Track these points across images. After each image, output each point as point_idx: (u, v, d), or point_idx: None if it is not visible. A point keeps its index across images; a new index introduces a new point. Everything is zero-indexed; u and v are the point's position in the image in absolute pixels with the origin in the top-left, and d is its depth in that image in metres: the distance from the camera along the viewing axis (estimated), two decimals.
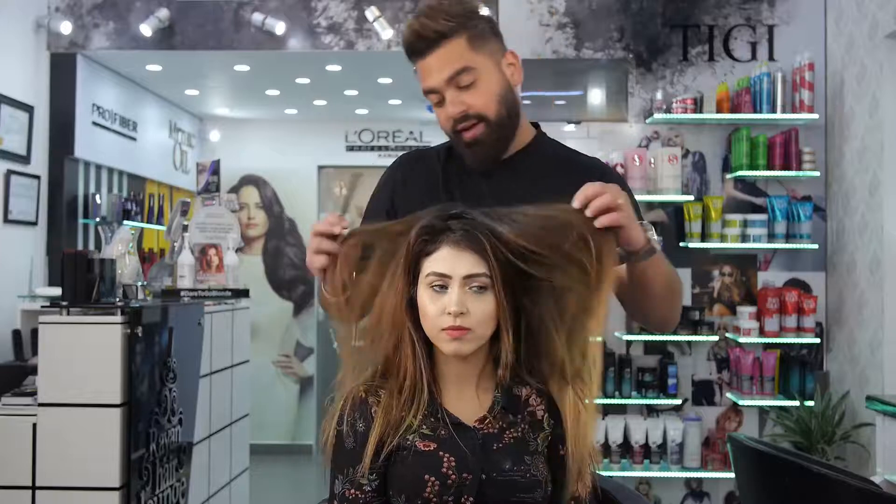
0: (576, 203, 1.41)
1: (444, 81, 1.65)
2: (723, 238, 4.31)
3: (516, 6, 4.53)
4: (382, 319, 1.41)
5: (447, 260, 1.37)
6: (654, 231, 1.54)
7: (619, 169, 4.26)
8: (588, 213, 1.40)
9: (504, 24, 4.54)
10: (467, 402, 1.41)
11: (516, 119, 1.71)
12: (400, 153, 8.24)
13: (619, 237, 1.44)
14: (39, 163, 4.68)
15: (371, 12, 4.56)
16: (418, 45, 1.66)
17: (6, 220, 4.34)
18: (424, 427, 1.36)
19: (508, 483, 1.34)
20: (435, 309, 1.36)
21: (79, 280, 3.04)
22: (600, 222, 1.39)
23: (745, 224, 4.31)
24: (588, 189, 1.42)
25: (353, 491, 1.35)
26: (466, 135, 1.67)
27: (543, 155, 1.75)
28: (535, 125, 1.80)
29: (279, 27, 4.61)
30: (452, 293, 1.35)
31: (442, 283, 1.37)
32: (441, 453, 1.34)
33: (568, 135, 4.51)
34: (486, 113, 1.66)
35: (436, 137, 8.13)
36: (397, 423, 1.36)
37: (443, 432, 1.36)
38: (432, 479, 1.32)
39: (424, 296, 1.38)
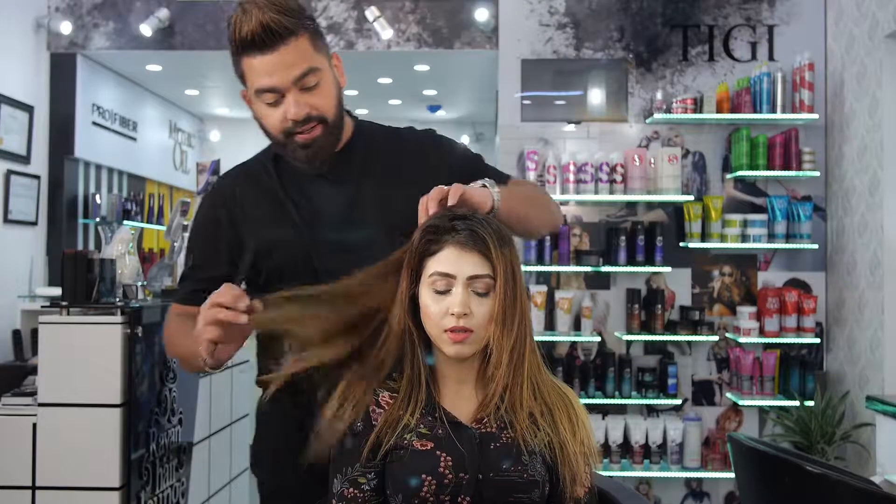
0: (431, 211, 1.43)
1: (290, 81, 1.56)
2: (723, 238, 4.31)
3: (516, 6, 4.53)
4: (386, 318, 1.42)
5: (452, 260, 1.37)
6: (492, 181, 1.57)
7: (618, 169, 4.27)
8: (431, 211, 1.42)
9: (504, 24, 4.54)
10: (465, 401, 1.41)
11: (344, 118, 1.69)
12: None
13: (473, 206, 1.46)
14: (39, 163, 4.68)
15: (371, 12, 4.56)
16: (262, 40, 1.53)
17: (6, 220, 4.34)
18: (422, 426, 1.36)
19: (505, 483, 1.34)
20: (438, 310, 1.36)
21: (79, 280, 3.04)
22: (450, 203, 1.43)
23: (745, 224, 4.31)
24: (423, 200, 1.45)
25: (351, 490, 1.35)
26: (303, 137, 1.60)
27: (372, 139, 1.73)
28: (348, 112, 1.75)
29: None
30: (457, 294, 1.36)
31: (445, 284, 1.37)
32: (438, 453, 1.34)
33: (568, 135, 4.51)
34: (326, 115, 1.61)
35: None
36: (395, 422, 1.36)
37: (440, 431, 1.36)
38: (429, 478, 1.32)
39: (427, 296, 1.38)
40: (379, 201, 1.63)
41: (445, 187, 1.45)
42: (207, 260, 1.69)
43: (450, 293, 1.36)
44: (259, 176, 1.70)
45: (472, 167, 1.70)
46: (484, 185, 1.54)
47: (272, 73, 1.55)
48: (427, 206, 1.44)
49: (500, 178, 1.68)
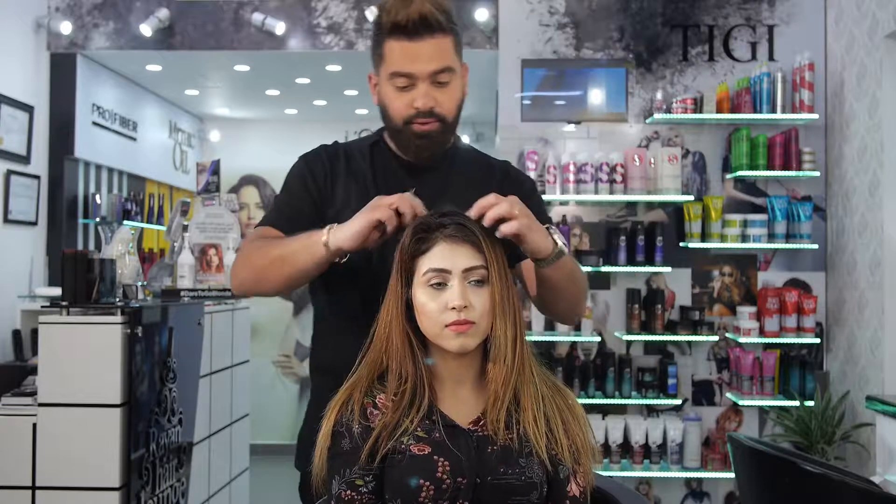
0: (472, 213, 1.43)
1: (427, 73, 1.63)
2: (723, 238, 4.31)
3: (516, 6, 4.53)
4: (380, 326, 1.42)
5: (445, 255, 1.37)
6: (559, 233, 1.56)
7: (618, 169, 4.27)
8: (485, 223, 1.41)
9: (504, 24, 4.54)
10: (462, 403, 1.41)
11: (457, 125, 1.76)
12: None
13: (523, 245, 1.46)
14: (39, 163, 4.68)
15: (371, 12, 4.56)
16: (415, 28, 1.60)
17: (6, 220, 4.34)
18: (419, 429, 1.36)
19: (504, 486, 1.33)
20: (436, 306, 1.36)
21: (79, 280, 3.04)
22: (500, 232, 1.42)
23: (745, 224, 4.31)
24: (482, 200, 1.44)
25: (349, 492, 1.35)
26: (421, 127, 1.66)
27: (461, 156, 1.80)
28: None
29: (279, 27, 4.61)
30: (454, 287, 1.36)
31: (440, 280, 1.36)
32: (435, 457, 1.33)
33: (568, 135, 4.51)
34: (447, 115, 1.67)
35: None
36: (393, 425, 1.36)
37: (437, 435, 1.35)
38: (427, 483, 1.32)
39: (423, 295, 1.38)
40: (458, 206, 1.64)
41: (506, 206, 1.43)
42: (286, 208, 1.74)
43: (446, 288, 1.36)
44: (354, 158, 1.76)
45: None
46: (548, 228, 1.54)
47: (413, 61, 1.62)
48: (473, 209, 1.43)
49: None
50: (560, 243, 1.52)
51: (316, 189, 1.72)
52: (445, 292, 1.36)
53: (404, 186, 1.60)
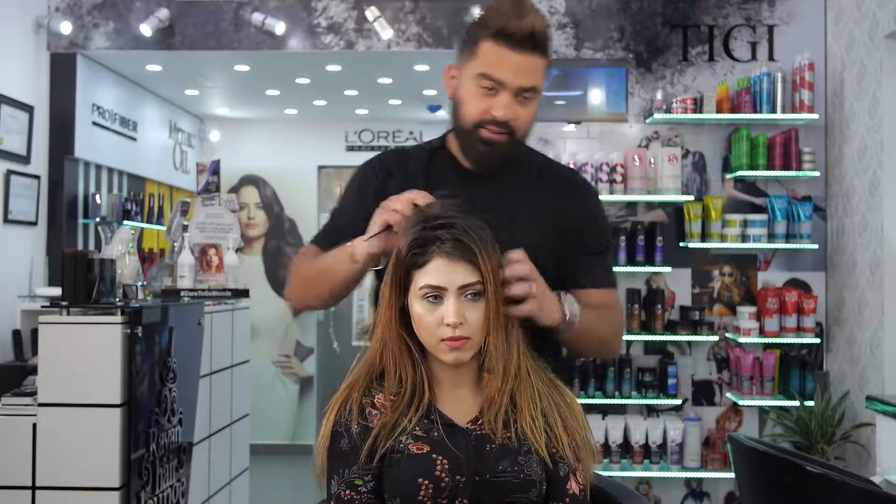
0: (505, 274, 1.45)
1: (517, 86, 1.62)
2: (723, 238, 4.31)
3: None
4: (377, 330, 1.42)
5: (441, 272, 1.37)
6: (571, 301, 1.57)
7: (618, 169, 4.27)
8: (506, 274, 1.44)
9: None
10: (460, 402, 1.41)
11: (525, 143, 1.75)
12: None
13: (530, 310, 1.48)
14: (39, 163, 4.68)
15: (371, 12, 4.56)
16: (522, 40, 1.59)
17: (6, 220, 4.34)
18: (418, 429, 1.36)
19: (502, 484, 1.34)
20: (432, 320, 1.36)
21: (79, 280, 3.04)
22: (511, 290, 1.44)
23: (745, 224, 4.31)
24: (512, 253, 1.46)
25: (348, 492, 1.35)
26: (490, 135, 1.64)
27: (521, 165, 1.76)
28: None
29: (279, 27, 4.61)
30: (450, 304, 1.35)
31: (437, 294, 1.37)
32: (434, 456, 1.34)
33: (568, 135, 4.51)
34: (519, 130, 1.66)
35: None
36: (392, 425, 1.36)
37: (435, 434, 1.35)
38: (426, 482, 1.32)
39: (419, 307, 1.38)
40: (509, 216, 1.66)
41: (519, 267, 1.46)
42: (347, 210, 1.77)
43: (442, 303, 1.36)
44: (410, 163, 1.76)
45: (587, 240, 1.73)
46: (558, 295, 1.56)
47: (507, 70, 1.61)
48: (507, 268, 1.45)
49: (600, 281, 1.72)
50: (568, 315, 1.55)
51: (373, 196, 1.70)
52: (441, 307, 1.36)
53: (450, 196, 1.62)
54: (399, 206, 1.48)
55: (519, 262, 1.45)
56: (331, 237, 1.72)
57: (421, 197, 1.48)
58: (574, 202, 1.74)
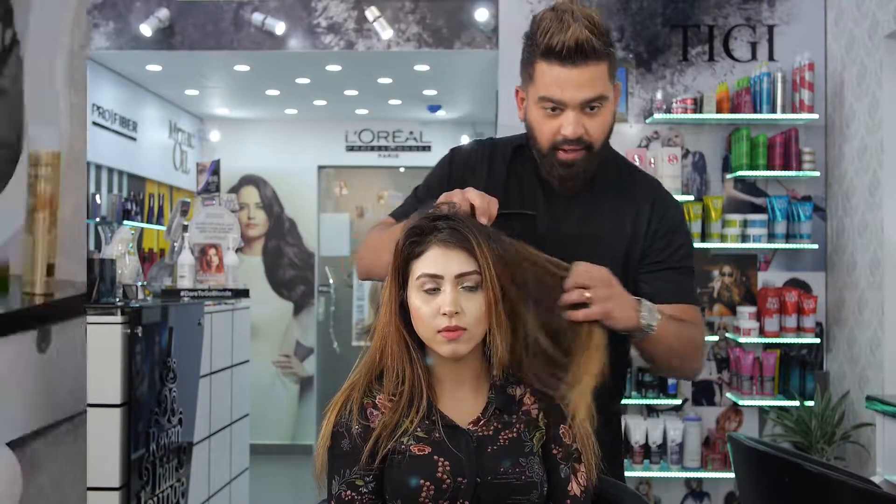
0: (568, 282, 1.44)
1: (578, 101, 1.56)
2: (723, 238, 4.31)
3: (516, 6, 4.53)
4: (379, 326, 1.42)
5: (437, 260, 1.36)
6: (649, 308, 1.53)
7: None
8: (564, 297, 1.43)
9: (504, 24, 4.54)
10: (462, 402, 1.41)
11: (607, 148, 1.69)
12: (400, 153, 8.06)
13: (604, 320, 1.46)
14: None
15: (371, 12, 4.56)
16: (570, 54, 1.54)
17: None
18: (419, 430, 1.36)
19: (504, 485, 1.33)
20: (429, 311, 1.36)
21: None
22: (573, 315, 1.43)
23: (745, 224, 4.30)
24: (570, 279, 1.44)
25: (349, 493, 1.35)
26: (566, 156, 1.60)
27: (601, 179, 1.71)
28: None
29: (279, 27, 4.61)
30: (446, 293, 1.35)
31: (434, 285, 1.36)
32: (435, 457, 1.33)
33: None
34: (595, 143, 1.61)
35: (435, 137, 8.05)
36: (393, 425, 1.36)
37: (437, 435, 1.35)
38: (427, 483, 1.32)
39: (416, 299, 1.37)
40: (591, 230, 1.64)
41: (578, 273, 1.44)
42: (434, 188, 1.72)
43: (439, 293, 1.36)
44: (496, 155, 1.73)
45: (670, 256, 1.70)
46: (638, 301, 1.52)
47: (564, 88, 1.56)
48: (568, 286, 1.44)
49: (684, 296, 1.67)
50: (644, 322, 1.50)
51: (451, 183, 1.68)
52: (438, 297, 1.36)
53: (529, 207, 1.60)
54: (457, 199, 1.45)
55: (578, 271, 1.44)
56: (408, 213, 1.67)
57: (479, 198, 1.44)
58: (661, 219, 1.70)
